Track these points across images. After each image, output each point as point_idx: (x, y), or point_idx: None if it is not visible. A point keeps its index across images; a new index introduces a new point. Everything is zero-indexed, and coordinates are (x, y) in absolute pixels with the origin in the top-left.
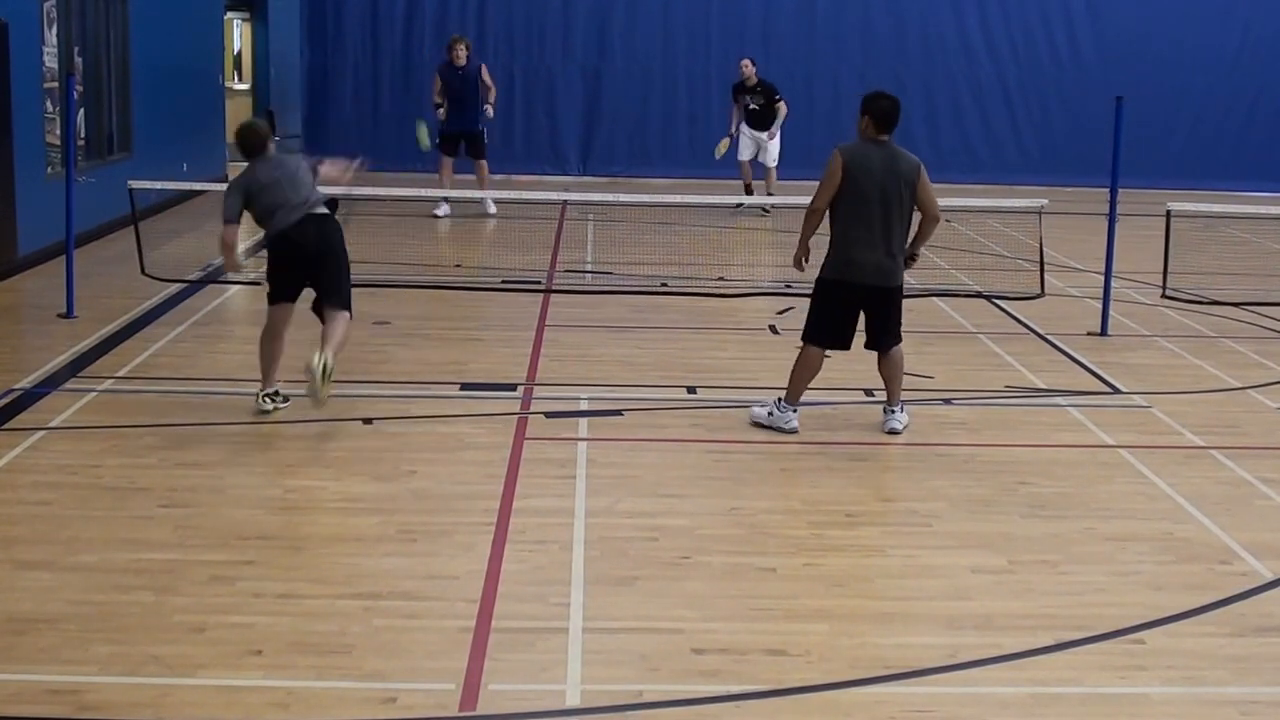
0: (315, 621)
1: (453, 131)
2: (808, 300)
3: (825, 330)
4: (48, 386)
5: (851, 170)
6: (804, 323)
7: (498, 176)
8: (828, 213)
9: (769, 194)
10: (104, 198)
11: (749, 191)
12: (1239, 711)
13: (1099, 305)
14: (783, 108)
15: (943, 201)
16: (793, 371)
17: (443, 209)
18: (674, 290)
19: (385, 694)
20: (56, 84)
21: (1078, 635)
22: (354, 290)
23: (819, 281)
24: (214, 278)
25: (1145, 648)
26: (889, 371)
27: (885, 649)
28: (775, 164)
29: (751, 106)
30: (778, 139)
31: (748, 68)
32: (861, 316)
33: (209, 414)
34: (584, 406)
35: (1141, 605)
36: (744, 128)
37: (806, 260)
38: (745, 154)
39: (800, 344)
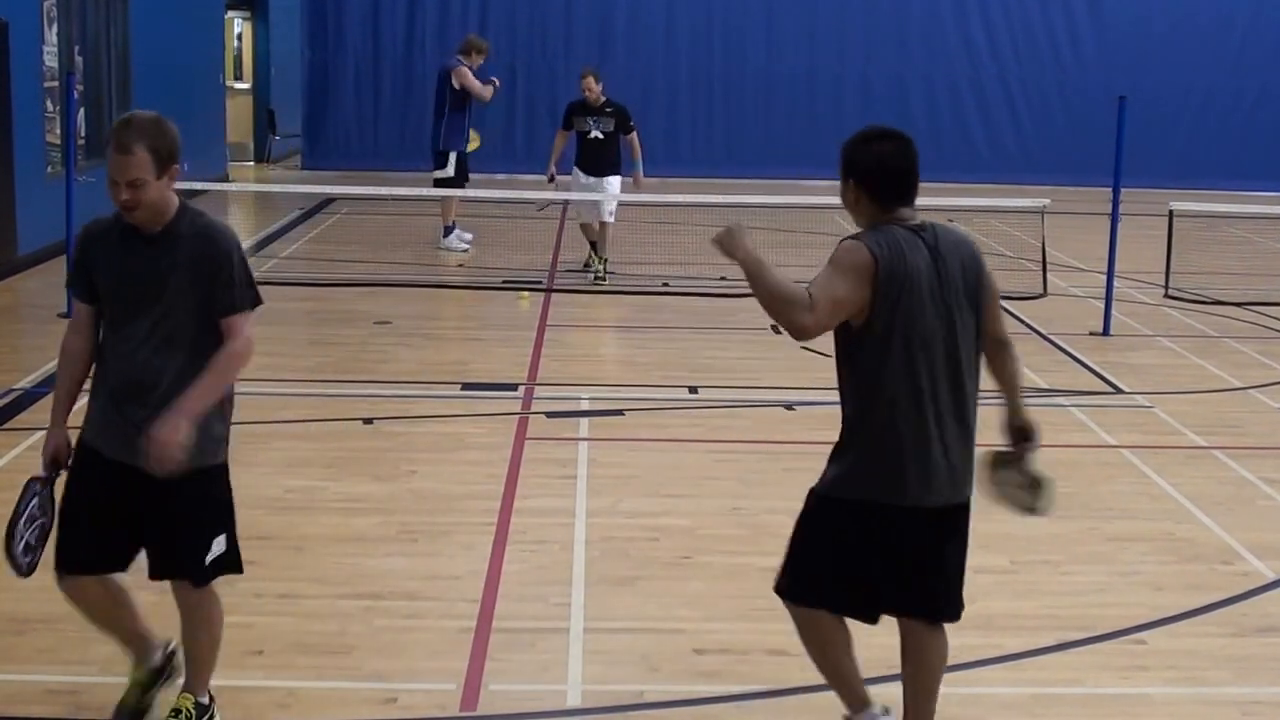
0: (316, 621)
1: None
2: None
3: None
4: (47, 386)
5: None
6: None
7: (500, 176)
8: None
9: (601, 256)
10: (104, 197)
11: (595, 249)
12: (1240, 712)
13: (1101, 305)
14: (635, 141)
15: (945, 200)
16: None
17: (468, 237)
18: (675, 290)
19: (386, 694)
20: (57, 83)
21: (1079, 635)
22: (356, 291)
23: None
24: None
25: (1147, 648)
26: None
27: (886, 649)
28: (613, 219)
29: (594, 134)
30: (619, 187)
31: (593, 89)
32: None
33: None
34: (585, 406)
35: (1143, 605)
36: (577, 173)
37: None
38: (586, 215)
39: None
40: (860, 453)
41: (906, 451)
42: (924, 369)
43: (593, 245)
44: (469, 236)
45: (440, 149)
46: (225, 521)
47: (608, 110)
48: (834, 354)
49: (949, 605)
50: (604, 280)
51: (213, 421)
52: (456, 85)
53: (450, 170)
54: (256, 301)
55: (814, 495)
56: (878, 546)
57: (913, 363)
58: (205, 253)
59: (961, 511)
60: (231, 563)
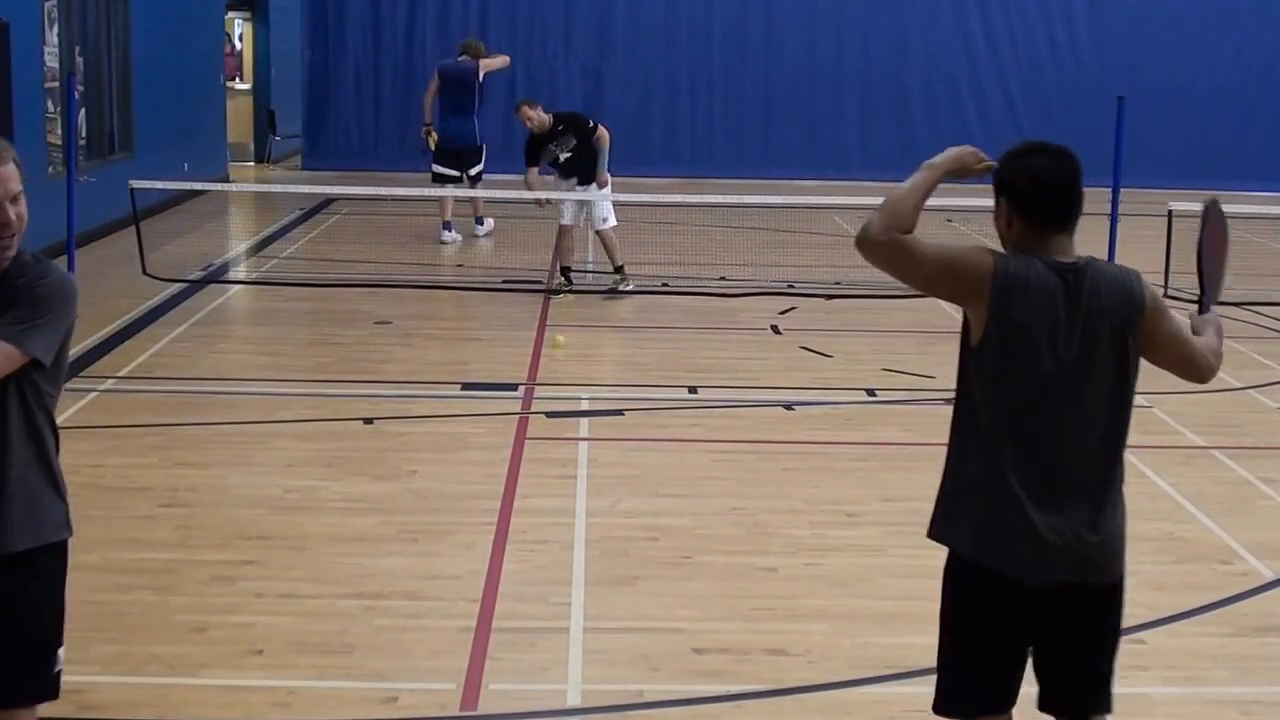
0: (316, 621)
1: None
2: (810, 299)
3: None
4: None
5: None
6: None
7: (500, 176)
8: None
9: (615, 265)
10: (105, 197)
11: (566, 276)
12: (1239, 711)
13: None
14: (604, 136)
15: (945, 201)
16: None
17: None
18: (675, 290)
19: (386, 694)
20: (58, 84)
21: None
22: (356, 291)
23: None
24: (215, 278)
25: (1146, 647)
26: None
27: (886, 648)
28: (610, 223)
29: (563, 157)
30: (609, 189)
31: (532, 117)
32: None
33: (210, 413)
34: (585, 406)
35: (1142, 605)
36: (559, 181)
37: None
38: (568, 216)
39: None
40: (968, 507)
41: (1009, 515)
42: (1036, 423)
43: (564, 270)
44: (459, 237)
45: (478, 144)
46: (61, 628)
47: (559, 129)
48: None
49: (1092, 703)
50: (626, 285)
51: (40, 489)
52: (481, 78)
53: (483, 163)
54: (35, 358)
55: (951, 558)
56: (1007, 622)
57: (1025, 413)
58: (28, 284)
59: (1101, 595)
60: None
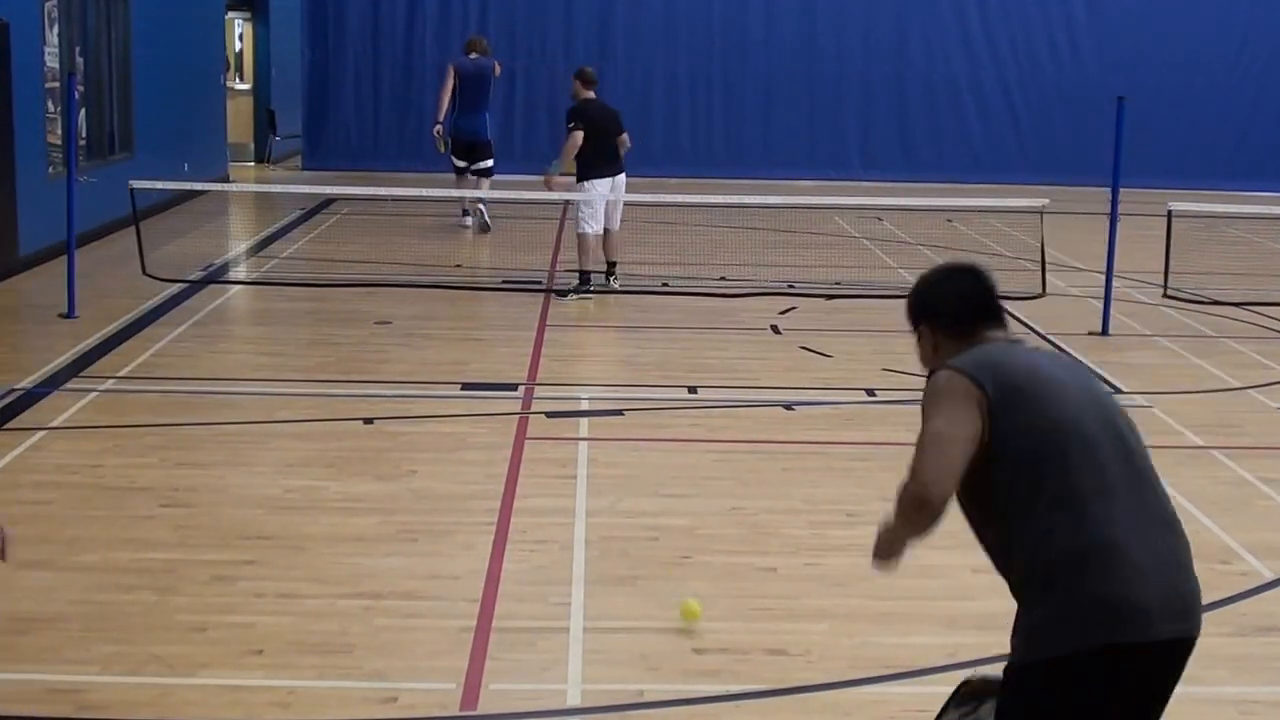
0: (316, 621)
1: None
2: (810, 299)
3: None
4: (49, 386)
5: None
6: None
7: (499, 176)
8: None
9: (610, 269)
10: (105, 197)
11: (609, 273)
12: (1238, 711)
13: (1100, 305)
14: (570, 144)
15: (945, 201)
16: None
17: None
18: (675, 290)
19: (386, 693)
20: (58, 84)
21: None
22: (353, 290)
23: None
24: (215, 278)
25: None
26: None
27: (886, 648)
28: (579, 229)
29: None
30: (587, 196)
31: (573, 85)
32: None
33: (210, 414)
34: (585, 406)
35: None
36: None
37: None
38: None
39: None
40: (1057, 592)
41: (1108, 567)
42: (1095, 464)
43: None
44: (469, 222)
45: (487, 139)
46: None
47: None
48: (971, 507)
49: None
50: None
51: None
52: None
53: (493, 160)
54: None
55: (1011, 672)
56: (1109, 706)
57: (1083, 460)
58: None
59: (1189, 651)
60: None
